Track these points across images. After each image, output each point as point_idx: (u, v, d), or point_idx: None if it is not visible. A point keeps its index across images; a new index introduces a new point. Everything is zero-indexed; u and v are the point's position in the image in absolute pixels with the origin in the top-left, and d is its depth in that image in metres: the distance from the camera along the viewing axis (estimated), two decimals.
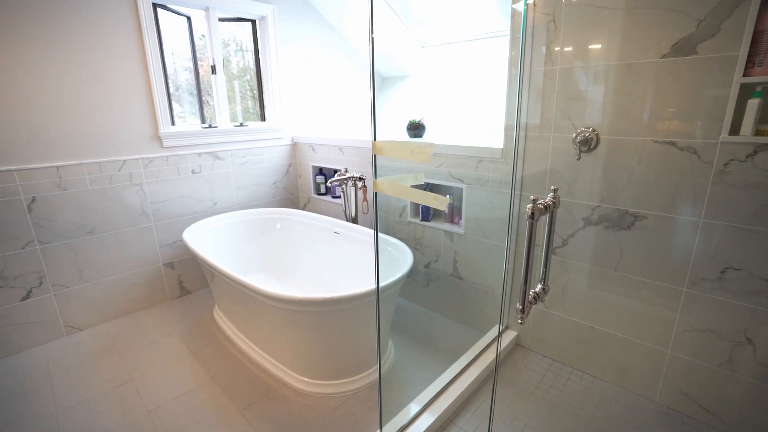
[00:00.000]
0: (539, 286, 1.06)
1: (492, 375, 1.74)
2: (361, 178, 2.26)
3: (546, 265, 1.01)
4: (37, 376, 1.79)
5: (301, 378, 1.68)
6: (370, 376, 1.72)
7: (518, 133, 1.70)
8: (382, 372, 1.76)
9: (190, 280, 2.53)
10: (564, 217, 1.66)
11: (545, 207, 0.92)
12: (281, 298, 1.44)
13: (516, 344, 1.95)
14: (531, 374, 1.75)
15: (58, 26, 1.85)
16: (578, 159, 1.54)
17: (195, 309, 2.35)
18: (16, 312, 1.93)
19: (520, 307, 0.93)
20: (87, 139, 2.01)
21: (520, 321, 0.96)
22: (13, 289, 1.91)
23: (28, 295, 1.95)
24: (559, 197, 0.97)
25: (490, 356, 1.76)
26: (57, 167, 1.94)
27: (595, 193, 1.55)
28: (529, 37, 1.61)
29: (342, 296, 1.43)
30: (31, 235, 1.91)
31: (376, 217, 1.04)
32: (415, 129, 2.33)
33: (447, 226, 2.10)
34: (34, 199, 1.90)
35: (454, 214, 2.17)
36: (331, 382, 1.66)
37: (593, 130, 1.51)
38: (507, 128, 1.76)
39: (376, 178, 0.96)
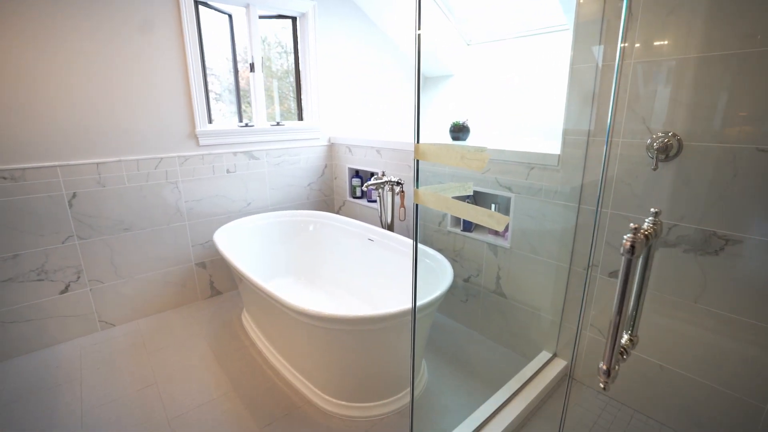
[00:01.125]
0: (626, 335, 0.83)
1: (538, 408, 1.54)
2: (398, 183, 2.12)
3: (637, 309, 0.79)
4: (69, 370, 1.80)
5: (326, 397, 1.56)
6: (401, 400, 1.57)
7: (589, 138, 1.49)
8: (414, 396, 1.61)
9: (221, 281, 2.50)
10: None
11: (646, 237, 0.71)
12: (308, 314, 1.33)
13: (566, 375, 1.73)
14: (584, 413, 1.53)
15: (102, 23, 1.85)
16: (655, 169, 1.31)
17: (224, 311, 2.31)
18: (54, 305, 1.96)
19: (605, 367, 0.71)
20: (125, 136, 2.01)
21: (602, 386, 0.73)
22: (53, 283, 1.94)
23: (66, 289, 1.98)
24: (661, 223, 0.74)
25: (536, 387, 1.56)
26: (97, 164, 1.95)
27: (675, 209, 1.32)
28: (596, 28, 1.40)
29: (375, 315, 1.29)
30: (70, 230, 1.93)
31: (416, 228, 0.89)
32: (459, 131, 2.17)
33: (491, 239, 1.92)
34: (74, 195, 1.92)
35: None
36: (358, 404, 1.53)
37: (673, 135, 1.28)
38: (566, 132, 1.55)
39: (417, 187, 0.82)
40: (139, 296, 2.20)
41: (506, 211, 1.94)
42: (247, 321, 2.13)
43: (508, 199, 1.91)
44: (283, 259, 2.46)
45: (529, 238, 1.75)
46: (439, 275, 1.62)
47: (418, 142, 0.79)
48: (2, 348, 1.87)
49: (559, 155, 1.58)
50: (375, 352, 1.44)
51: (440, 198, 0.76)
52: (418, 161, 0.80)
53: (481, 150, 0.70)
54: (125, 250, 2.11)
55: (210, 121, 2.37)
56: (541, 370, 1.67)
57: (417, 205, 0.84)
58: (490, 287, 1.97)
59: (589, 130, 1.49)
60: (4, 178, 1.74)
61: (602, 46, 1.41)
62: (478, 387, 1.67)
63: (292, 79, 2.75)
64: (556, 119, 2.03)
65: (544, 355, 1.76)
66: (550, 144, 1.94)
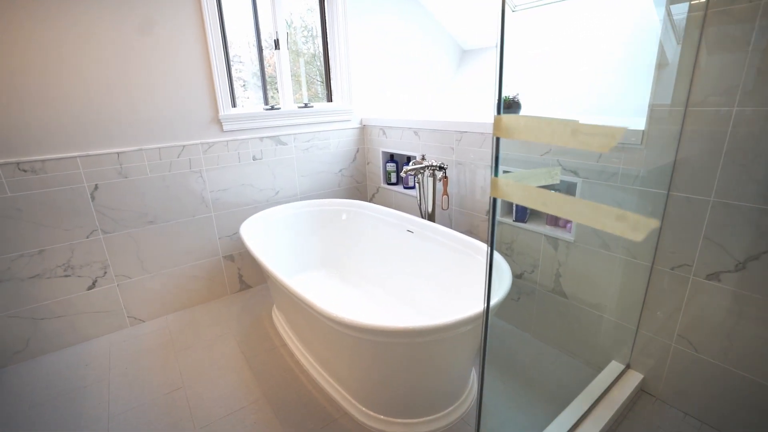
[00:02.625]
0: None
1: (613, 429, 1.31)
2: (441, 168, 1.89)
3: None
4: (98, 369, 1.73)
5: (366, 410, 1.40)
6: (448, 417, 1.38)
7: (687, 109, 1.20)
8: (462, 411, 1.41)
9: (250, 274, 2.38)
10: (742, 229, 1.15)
11: None
12: (346, 324, 1.15)
13: (641, 390, 1.48)
14: None
15: (117, 4, 1.70)
16: None
17: (253, 306, 2.19)
18: (83, 301, 1.89)
19: None
20: (145, 124, 1.88)
21: None
22: (80, 278, 1.86)
23: (93, 285, 1.90)
24: None
25: (611, 405, 1.33)
26: (117, 153, 1.83)
27: None
28: None
29: (430, 327, 1.09)
30: (94, 223, 1.84)
31: (493, 227, 0.66)
32: (508, 108, 1.89)
33: (549, 230, 1.66)
34: (96, 187, 1.81)
35: None
36: (401, 420, 1.35)
37: None
38: (653, 106, 1.26)
39: (496, 174, 0.60)
40: (166, 291, 2.11)
41: None
42: (278, 318, 1.99)
43: (572, 186, 1.64)
44: (314, 251, 2.30)
45: (599, 230, 1.48)
46: (494, 277, 1.39)
47: (500, 112, 0.56)
48: (36, 344, 1.82)
49: (643, 131, 1.29)
50: (423, 364, 1.25)
51: (532, 191, 0.54)
52: (497, 140, 0.57)
53: (612, 128, 0.47)
54: (150, 244, 2.01)
55: (234, 105, 2.21)
56: (614, 384, 1.43)
57: (495, 199, 0.62)
58: (547, 285, 1.72)
59: (687, 99, 1.19)
60: (25, 171, 1.65)
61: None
62: (537, 400, 1.46)
63: (319, 63, 2.53)
64: (629, 91, 1.72)
65: (615, 367, 1.51)
66: (625, 120, 1.64)
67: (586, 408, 1.31)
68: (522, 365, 1.66)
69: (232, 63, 2.23)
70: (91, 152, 1.77)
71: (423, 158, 1.94)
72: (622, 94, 1.83)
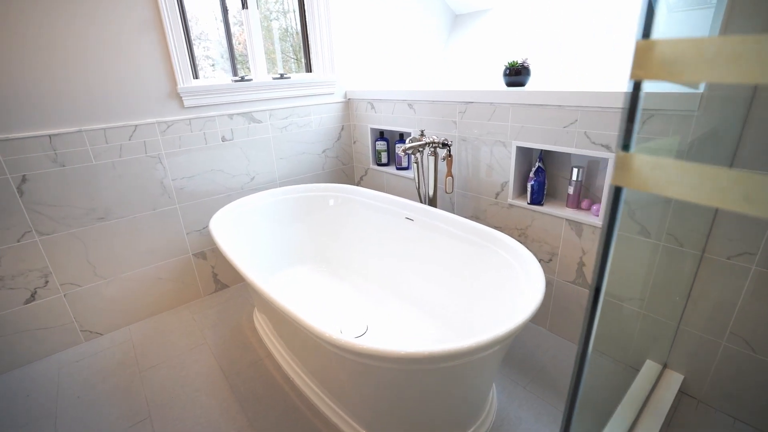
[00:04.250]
0: None
1: None
2: (444, 144, 1.62)
3: None
4: (44, 399, 1.42)
5: None
6: None
7: None
8: None
9: (227, 272, 2.08)
10: None
11: None
12: (344, 347, 0.89)
13: (682, 392, 1.31)
14: None
15: None
16: None
17: (232, 309, 1.90)
18: (21, 317, 1.56)
19: None
20: (85, 99, 1.51)
21: None
22: (13, 291, 1.52)
23: (33, 297, 1.57)
24: None
25: (658, 413, 1.14)
26: (50, 136, 1.47)
27: None
28: None
29: (451, 351, 0.85)
30: (26, 224, 1.49)
31: (612, 223, 0.41)
32: (516, 75, 1.63)
33: (571, 213, 1.43)
34: (24, 179, 1.45)
35: (582, 195, 1.49)
36: None
37: None
38: None
39: (627, 149, 0.34)
40: (127, 298, 1.79)
41: (596, 177, 1.45)
42: (261, 323, 1.72)
43: (602, 162, 1.41)
44: (298, 243, 2.02)
45: (637, 213, 1.26)
46: (520, 277, 1.15)
47: (647, 35, 0.31)
48: None
49: (702, 93, 1.06)
50: (446, 388, 1.01)
51: (701, 175, 0.29)
52: (638, 86, 0.31)
53: None
54: (103, 245, 1.67)
55: (196, 76, 1.85)
56: (656, 387, 1.25)
57: (617, 188, 0.37)
58: (567, 276, 1.51)
59: None
60: None
61: None
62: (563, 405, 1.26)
63: (293, 40, 2.18)
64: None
65: (652, 367, 1.33)
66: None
67: (633, 417, 1.12)
68: (541, 365, 1.46)
69: (197, 41, 1.87)
70: (11, 135, 1.40)
71: (422, 134, 1.66)
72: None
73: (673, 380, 1.28)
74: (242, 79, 1.91)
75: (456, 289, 1.51)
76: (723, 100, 1.03)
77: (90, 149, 1.56)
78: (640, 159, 0.36)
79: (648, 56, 0.32)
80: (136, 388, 1.45)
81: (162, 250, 1.84)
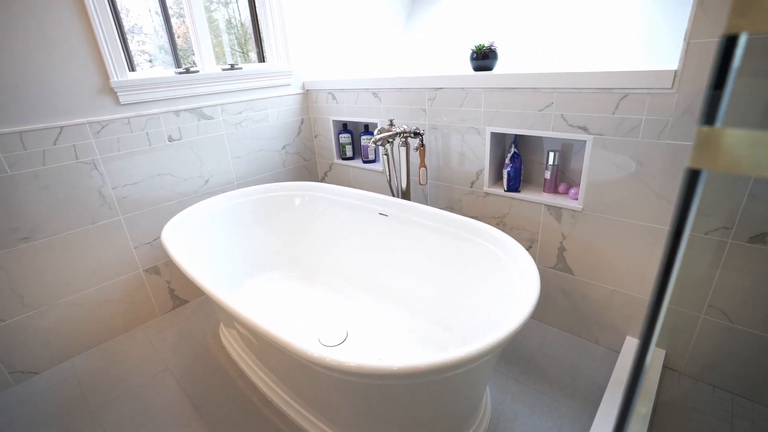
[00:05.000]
0: None
1: (648, 418, 1.13)
2: (417, 134, 1.53)
3: None
4: None
5: None
6: None
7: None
8: None
9: (184, 286, 1.88)
10: None
11: None
12: (325, 365, 0.79)
13: (665, 367, 1.33)
14: (708, 418, 1.14)
15: None
16: None
17: (194, 326, 1.71)
18: None
19: None
20: None
21: None
22: None
23: None
24: None
25: (644, 393, 1.15)
26: None
27: None
28: None
29: (449, 362, 0.77)
30: None
31: (686, 217, 0.34)
32: (484, 59, 1.57)
33: (549, 198, 1.41)
34: None
35: (559, 180, 1.47)
36: None
37: None
38: (690, 36, 1.01)
39: (712, 122, 0.27)
40: (68, 327, 1.55)
41: (574, 161, 1.43)
42: (229, 340, 1.56)
43: (579, 145, 1.39)
44: (265, 248, 1.86)
45: (615, 195, 1.25)
46: (513, 274, 1.10)
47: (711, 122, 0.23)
48: None
49: (675, 71, 1.05)
50: (435, 397, 0.94)
51: None
52: (733, 39, 0.24)
53: None
54: (30, 269, 1.43)
55: (132, 68, 1.62)
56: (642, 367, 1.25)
57: (694, 172, 0.30)
58: (548, 262, 1.49)
59: None
60: None
61: None
62: (561, 399, 1.24)
63: (237, 32, 1.99)
64: (655, 19, 1.49)
65: (633, 344, 1.34)
66: (651, 63, 1.41)
67: (619, 397, 1.11)
68: (529, 354, 1.44)
69: (131, 34, 1.64)
70: None
71: (392, 124, 1.56)
72: (643, 25, 1.57)
73: (657, 356, 1.30)
74: (188, 71, 1.70)
75: (441, 285, 1.44)
76: (697, 76, 1.03)
77: (3, 157, 1.30)
78: (734, 135, 0.29)
79: (712, 142, 0.24)
80: None
81: (107, 269, 1.61)
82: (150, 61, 1.76)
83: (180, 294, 1.87)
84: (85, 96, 1.44)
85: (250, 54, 2.07)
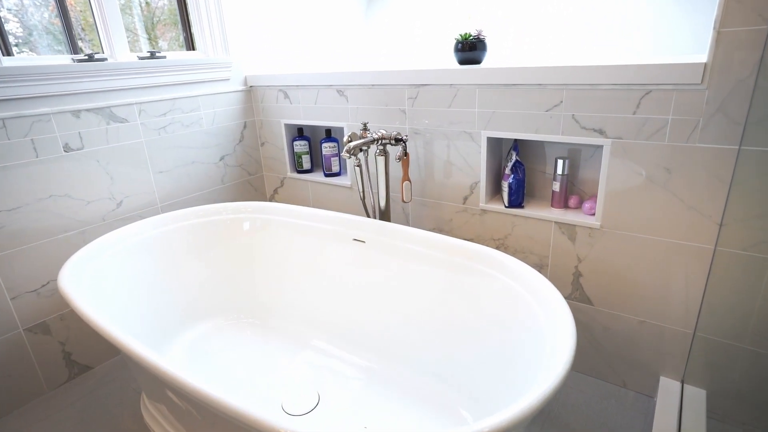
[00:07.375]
0: None
1: None
2: (398, 140, 1.43)
3: None
4: None
5: None
6: None
7: None
8: None
9: (87, 348, 1.60)
10: None
11: None
12: None
13: (710, 412, 1.30)
14: None
15: None
16: None
17: (104, 402, 1.44)
18: None
19: None
20: None
21: None
22: None
23: None
24: None
25: None
26: None
27: None
28: None
29: None
30: None
31: None
32: (471, 50, 1.53)
33: (560, 214, 1.36)
34: None
35: (569, 192, 1.43)
36: None
37: None
38: (721, 24, 1.01)
39: None
40: None
41: (590, 169, 1.40)
42: (154, 417, 1.31)
43: (589, 151, 1.36)
44: (203, 288, 1.64)
45: (639, 209, 1.23)
46: (536, 313, 1.01)
47: None
48: None
49: (705, 64, 1.04)
50: None
51: None
52: None
53: None
54: None
55: (7, 52, 1.38)
56: (682, 414, 1.21)
57: None
58: (561, 291, 1.44)
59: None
60: None
61: None
62: None
63: (144, 14, 1.79)
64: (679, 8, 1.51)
65: (669, 386, 1.30)
66: (677, 57, 1.41)
67: None
68: (546, 403, 1.35)
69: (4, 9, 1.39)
70: None
71: (365, 128, 1.45)
72: (651, 13, 1.58)
73: (698, 399, 1.26)
74: (90, 58, 1.48)
75: (438, 330, 1.32)
76: (729, 70, 1.03)
77: None
78: None
79: None
80: None
81: None
82: (17, 44, 1.48)
83: (79, 358, 1.58)
84: None
85: (159, 41, 1.84)
